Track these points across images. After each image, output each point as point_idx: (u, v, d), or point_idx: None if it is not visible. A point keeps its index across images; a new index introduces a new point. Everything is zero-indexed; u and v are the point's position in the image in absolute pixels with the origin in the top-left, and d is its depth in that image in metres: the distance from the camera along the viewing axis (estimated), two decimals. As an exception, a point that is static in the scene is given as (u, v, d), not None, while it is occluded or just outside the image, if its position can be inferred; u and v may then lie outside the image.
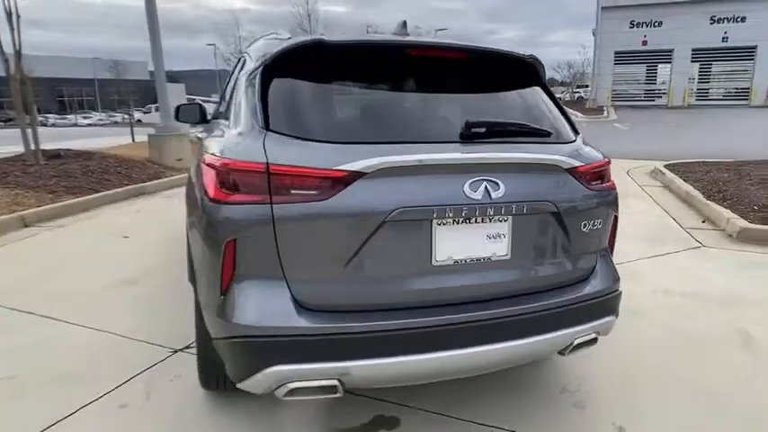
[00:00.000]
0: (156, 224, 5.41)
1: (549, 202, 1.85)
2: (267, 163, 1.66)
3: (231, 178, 1.71)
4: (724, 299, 3.42)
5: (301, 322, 1.67)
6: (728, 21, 29.32)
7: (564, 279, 1.98)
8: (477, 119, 1.86)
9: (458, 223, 1.75)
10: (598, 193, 2.02)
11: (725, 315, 3.18)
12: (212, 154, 1.87)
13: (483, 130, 1.83)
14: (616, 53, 32.84)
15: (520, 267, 1.88)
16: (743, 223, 4.86)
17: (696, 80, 32.18)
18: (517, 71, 2.17)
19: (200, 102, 4.40)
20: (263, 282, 1.71)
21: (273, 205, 1.64)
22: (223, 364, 1.92)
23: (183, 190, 2.88)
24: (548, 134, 1.99)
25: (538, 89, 2.18)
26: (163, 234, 5.00)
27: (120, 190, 6.95)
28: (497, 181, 1.76)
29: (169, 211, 6.00)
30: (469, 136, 1.82)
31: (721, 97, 31.93)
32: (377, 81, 1.95)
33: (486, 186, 1.75)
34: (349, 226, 1.67)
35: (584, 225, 1.98)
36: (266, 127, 1.78)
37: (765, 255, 4.34)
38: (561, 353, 2.03)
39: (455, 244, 1.77)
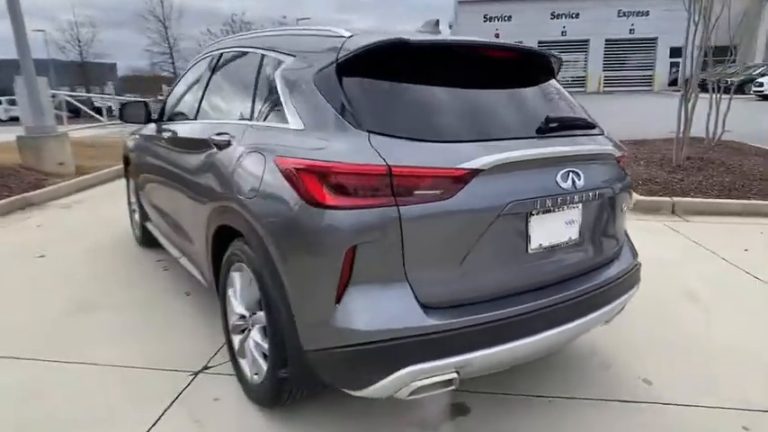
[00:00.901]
0: (70, 239, 4.75)
1: (610, 188, 2.08)
2: (388, 165, 1.63)
3: (347, 182, 1.65)
4: (653, 261, 4.02)
5: (428, 321, 1.68)
6: (566, 17, 33.18)
7: (612, 256, 2.23)
8: (548, 114, 2.01)
9: (546, 213, 1.89)
10: (627, 177, 2.29)
11: (664, 277, 3.71)
12: (300, 158, 1.76)
13: (556, 124, 1.99)
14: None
15: (586, 248, 2.08)
16: (635, 196, 5.74)
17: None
18: (547, 68, 2.35)
19: (146, 100, 3.96)
20: (384, 285, 1.68)
21: (400, 207, 1.62)
22: (304, 376, 1.86)
23: (82, 197, 2.65)
24: (595, 126, 2.21)
25: (558, 84, 2.39)
26: (87, 248, 4.42)
27: (2, 202, 5.94)
28: (579, 171, 1.94)
29: (79, 224, 5.32)
30: (546, 130, 1.96)
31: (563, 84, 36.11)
32: (454, 80, 1.99)
33: (572, 177, 1.91)
34: (468, 223, 1.72)
35: (623, 207, 2.24)
36: (363, 128, 1.73)
37: (658, 222, 5.16)
38: (607, 321, 2.28)
39: (543, 232, 1.90)
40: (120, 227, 4.94)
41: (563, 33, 33.57)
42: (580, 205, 1.98)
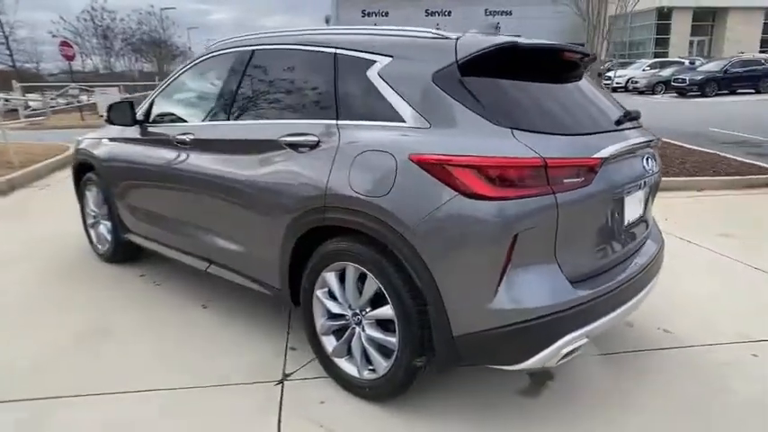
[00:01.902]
0: (20, 258, 4.12)
1: (659, 170, 2.44)
2: (543, 157, 1.79)
3: (509, 175, 1.77)
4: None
5: (576, 294, 1.89)
6: (439, 14, 34.99)
7: (652, 231, 2.60)
8: (619, 110, 2.30)
9: (635, 192, 2.19)
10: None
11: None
12: (449, 154, 1.85)
13: (629, 116, 2.29)
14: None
15: (645, 223, 2.43)
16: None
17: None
18: (585, 66, 2.65)
19: (131, 101, 3.53)
20: (539, 266, 1.86)
21: (556, 195, 1.79)
22: (447, 361, 1.97)
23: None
24: (640, 117, 2.55)
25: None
26: (44, 269, 3.90)
27: None
28: (651, 156, 2.28)
29: (16, 239, 4.60)
30: (622, 122, 2.24)
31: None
32: (552, 79, 2.20)
33: (650, 161, 2.24)
34: (599, 205, 1.96)
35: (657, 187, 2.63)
36: (504, 124, 1.87)
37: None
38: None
39: (630, 209, 2.20)
40: (70, 243, 4.41)
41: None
42: (646, 186, 2.31)
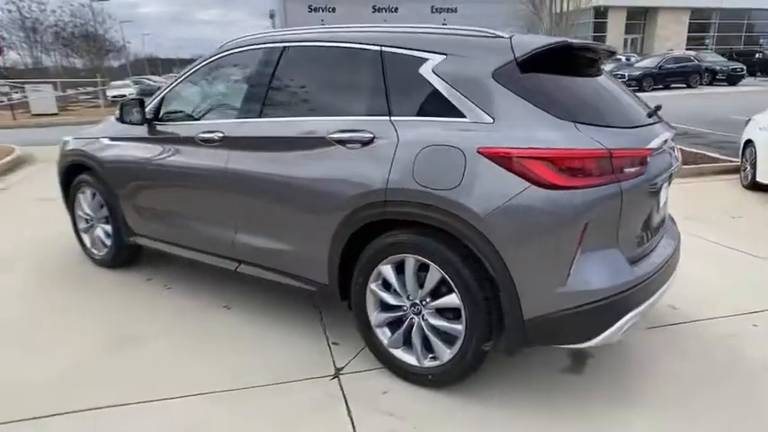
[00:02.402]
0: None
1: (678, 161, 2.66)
2: (608, 149, 1.93)
3: (581, 166, 1.90)
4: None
5: (635, 274, 2.07)
6: (386, 10, 35.20)
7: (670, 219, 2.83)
8: (643, 105, 2.48)
9: (667, 180, 2.38)
10: None
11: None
12: (521, 147, 1.95)
13: (653, 111, 2.47)
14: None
15: (666, 211, 2.64)
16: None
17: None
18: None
19: (141, 98, 3.35)
20: (604, 249, 2.01)
21: (621, 183, 1.94)
22: (515, 343, 2.09)
23: None
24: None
25: None
26: (42, 268, 3.70)
27: None
28: (674, 149, 2.48)
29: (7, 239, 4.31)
30: (651, 116, 2.43)
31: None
32: (594, 76, 2.35)
33: (675, 153, 2.44)
34: (648, 192, 2.13)
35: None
36: (567, 119, 1.99)
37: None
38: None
39: (662, 197, 2.39)
40: (61, 247, 4.19)
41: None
42: (672, 176, 2.51)
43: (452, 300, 2.17)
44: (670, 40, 29.30)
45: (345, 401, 2.28)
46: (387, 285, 2.40)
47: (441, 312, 2.26)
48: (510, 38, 2.19)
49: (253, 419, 2.19)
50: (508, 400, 2.29)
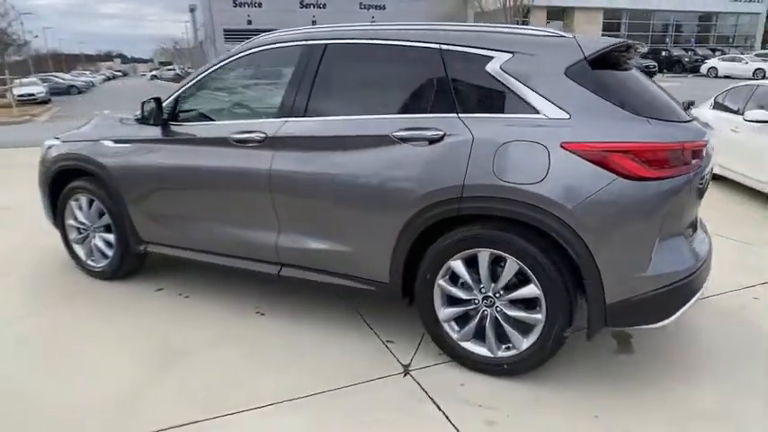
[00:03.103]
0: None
1: None
2: (680, 141, 2.09)
3: (662, 158, 2.05)
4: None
5: (698, 258, 2.25)
6: (314, 6, 34.85)
7: None
8: (681, 99, 2.70)
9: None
10: None
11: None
12: (605, 141, 2.07)
13: (688, 107, 2.70)
14: (225, 31, 34.33)
15: None
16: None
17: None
18: None
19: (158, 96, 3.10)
20: (675, 236, 2.20)
21: (690, 174, 2.11)
22: (596, 326, 2.22)
23: None
24: None
25: None
26: (38, 284, 3.39)
27: None
28: None
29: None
30: (687, 109, 2.64)
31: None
32: (642, 73, 2.51)
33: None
34: (704, 180, 2.31)
35: None
36: (641, 114, 2.14)
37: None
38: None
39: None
40: (46, 259, 3.85)
41: (313, 23, 35.21)
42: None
43: (531, 290, 2.26)
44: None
45: (430, 397, 2.30)
46: (454, 280, 2.45)
47: (516, 303, 2.34)
48: (572, 37, 2.31)
49: (350, 424, 2.16)
50: (581, 383, 2.40)
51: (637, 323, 2.27)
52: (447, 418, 2.17)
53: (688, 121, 2.35)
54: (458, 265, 2.39)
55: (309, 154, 2.65)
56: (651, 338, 2.79)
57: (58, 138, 3.76)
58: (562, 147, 2.12)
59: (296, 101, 2.74)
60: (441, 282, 2.44)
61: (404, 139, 2.41)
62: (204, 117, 3.14)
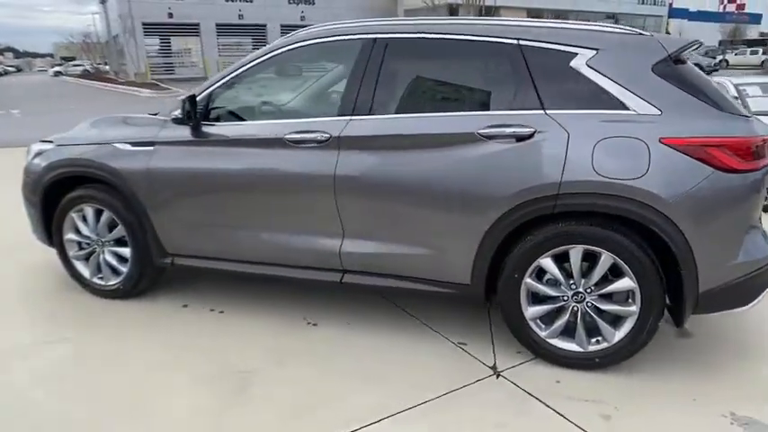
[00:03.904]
0: None
1: None
2: (762, 136, 2.22)
3: (751, 151, 2.17)
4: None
5: None
6: (240, 0, 33.64)
7: None
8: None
9: None
10: None
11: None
12: (703, 135, 2.15)
13: None
14: (144, 24, 32.40)
15: None
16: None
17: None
18: None
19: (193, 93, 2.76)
20: (756, 226, 2.33)
21: None
22: (684, 315, 2.30)
23: None
24: None
25: None
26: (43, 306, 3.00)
27: None
28: None
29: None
30: None
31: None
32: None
33: None
34: None
35: None
36: (724, 110, 2.23)
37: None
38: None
39: None
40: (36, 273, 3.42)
41: (240, 17, 34.05)
42: None
43: (626, 283, 2.29)
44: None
45: (534, 397, 2.28)
46: (540, 277, 2.44)
47: (607, 297, 2.37)
48: (650, 35, 2.37)
49: (476, 430, 2.09)
50: (664, 370, 2.47)
51: (722, 308, 2.36)
52: (562, 415, 2.16)
53: (748, 117, 2.49)
54: (548, 262, 2.38)
55: (383, 154, 2.53)
56: (706, 323, 2.92)
57: (49, 141, 3.33)
58: (661, 142, 2.16)
59: (359, 98, 2.60)
60: (528, 280, 2.42)
61: (490, 137, 2.36)
62: (245, 115, 2.91)
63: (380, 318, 2.98)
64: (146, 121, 3.13)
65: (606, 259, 2.30)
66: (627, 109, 2.25)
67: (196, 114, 2.80)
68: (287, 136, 2.66)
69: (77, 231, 3.25)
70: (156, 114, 3.16)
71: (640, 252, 2.24)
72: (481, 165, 2.37)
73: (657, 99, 2.24)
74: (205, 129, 2.84)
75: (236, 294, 3.26)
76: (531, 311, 2.47)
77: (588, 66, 2.32)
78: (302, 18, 33.25)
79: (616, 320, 2.38)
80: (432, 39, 2.58)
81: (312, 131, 2.62)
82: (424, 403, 2.24)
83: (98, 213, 3.16)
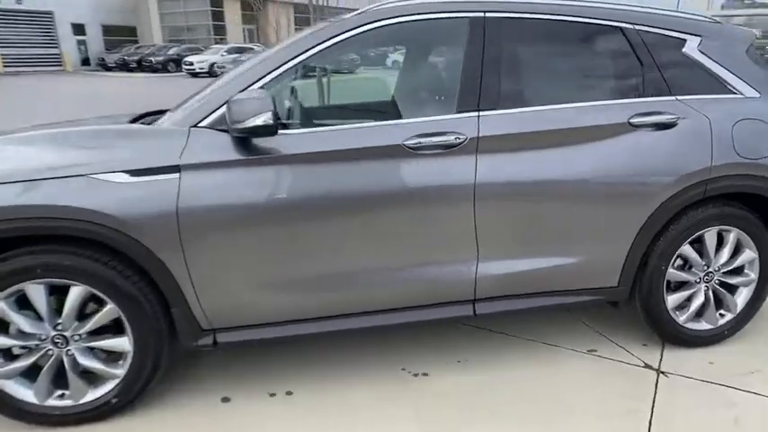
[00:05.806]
0: None
1: None
2: None
3: None
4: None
5: None
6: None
7: None
8: None
9: None
10: None
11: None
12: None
13: None
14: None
15: None
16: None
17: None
18: None
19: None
20: None
21: None
22: None
23: None
24: None
25: None
26: None
27: None
28: None
29: None
30: None
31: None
32: None
33: None
34: None
35: None
36: None
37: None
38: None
39: None
40: None
41: (18, 2, 26.13)
42: None
43: (749, 255, 2.42)
44: (282, 31, 31.90)
45: (720, 384, 2.25)
46: (677, 265, 2.41)
47: (733, 272, 2.47)
48: (735, 25, 2.54)
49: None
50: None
51: None
52: (758, 394, 2.18)
53: None
54: (687, 249, 2.37)
55: (528, 154, 2.13)
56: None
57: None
58: None
59: (483, 89, 2.13)
60: (671, 269, 2.37)
61: (639, 125, 2.21)
62: (321, 118, 2.11)
63: (488, 348, 2.56)
64: (142, 133, 2.02)
65: (735, 236, 2.40)
66: (735, 93, 2.37)
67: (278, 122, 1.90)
68: (406, 141, 2.02)
69: (6, 330, 1.92)
70: (138, 120, 2.06)
71: (763, 227, 2.40)
72: (636, 156, 2.20)
73: (756, 83, 2.41)
74: (272, 140, 1.96)
75: (293, 365, 2.40)
76: (671, 300, 2.43)
77: (701, 52, 2.36)
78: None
79: (736, 290, 2.52)
80: (546, 20, 2.26)
81: (441, 133, 2.05)
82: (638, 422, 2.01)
83: (58, 292, 1.92)
